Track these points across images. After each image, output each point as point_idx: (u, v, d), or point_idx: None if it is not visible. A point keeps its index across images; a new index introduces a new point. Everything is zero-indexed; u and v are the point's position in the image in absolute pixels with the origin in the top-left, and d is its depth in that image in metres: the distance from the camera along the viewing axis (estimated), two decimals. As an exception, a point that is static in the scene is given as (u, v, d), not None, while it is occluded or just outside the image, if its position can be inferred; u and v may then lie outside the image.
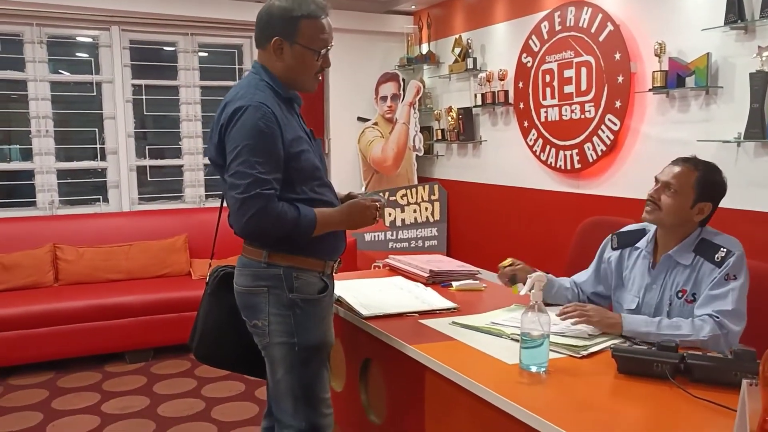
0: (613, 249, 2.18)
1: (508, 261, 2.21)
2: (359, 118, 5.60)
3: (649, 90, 3.40)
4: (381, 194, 2.25)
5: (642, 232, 2.12)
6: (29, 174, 4.72)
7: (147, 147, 5.11)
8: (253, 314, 1.86)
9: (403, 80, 5.47)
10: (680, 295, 1.95)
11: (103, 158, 4.94)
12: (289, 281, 1.84)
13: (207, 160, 5.12)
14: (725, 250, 1.89)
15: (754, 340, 1.87)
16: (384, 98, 5.49)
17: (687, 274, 1.95)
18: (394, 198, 5.35)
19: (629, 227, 2.20)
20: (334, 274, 1.99)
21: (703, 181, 1.94)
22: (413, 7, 5.53)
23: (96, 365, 4.00)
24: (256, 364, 1.97)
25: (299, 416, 1.87)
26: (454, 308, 2.17)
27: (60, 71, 4.84)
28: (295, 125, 1.86)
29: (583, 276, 2.27)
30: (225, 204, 1.94)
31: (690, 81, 3.22)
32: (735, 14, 2.94)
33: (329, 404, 1.95)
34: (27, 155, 4.71)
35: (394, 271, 2.80)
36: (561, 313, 1.90)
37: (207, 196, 5.27)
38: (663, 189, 1.97)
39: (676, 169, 1.97)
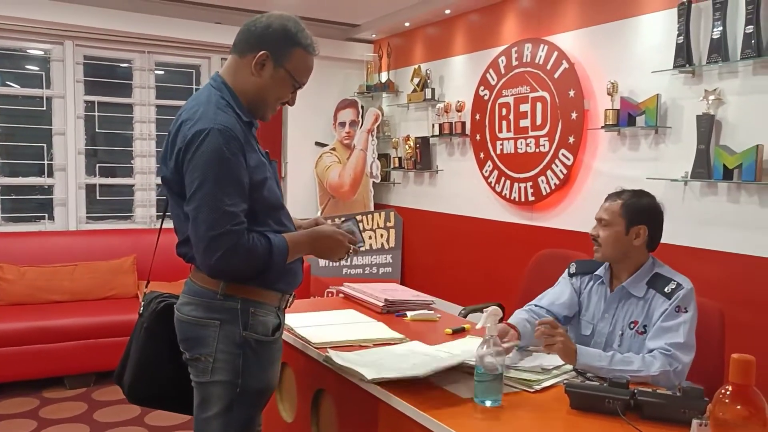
0: (570, 275, 2.24)
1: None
2: (317, 143, 5.59)
3: (602, 127, 3.50)
4: (358, 224, 2.09)
5: (600, 263, 2.17)
6: (-30, 188, 4.54)
7: (97, 165, 4.97)
8: (196, 347, 1.70)
9: (362, 107, 5.50)
10: (632, 326, 2.01)
11: (51, 175, 4.78)
12: (245, 317, 1.70)
13: (159, 180, 5.04)
14: (675, 282, 1.97)
15: (699, 376, 1.92)
16: (342, 124, 5.51)
17: (640, 306, 2.01)
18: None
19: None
20: (286, 309, 1.87)
21: (628, 205, 2.04)
22: (374, 35, 5.58)
23: (33, 390, 3.82)
24: (189, 402, 1.79)
25: None
26: (402, 339, 2.16)
27: (8, 83, 4.69)
28: (255, 150, 1.73)
29: (555, 299, 2.22)
30: (175, 226, 1.78)
31: (640, 120, 3.32)
32: (684, 58, 3.06)
33: None
34: (-31, 169, 4.53)
35: (348, 298, 2.77)
36: (537, 323, 1.88)
37: (158, 217, 5.15)
38: (599, 225, 2.08)
39: (606, 204, 2.10)
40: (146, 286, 1.95)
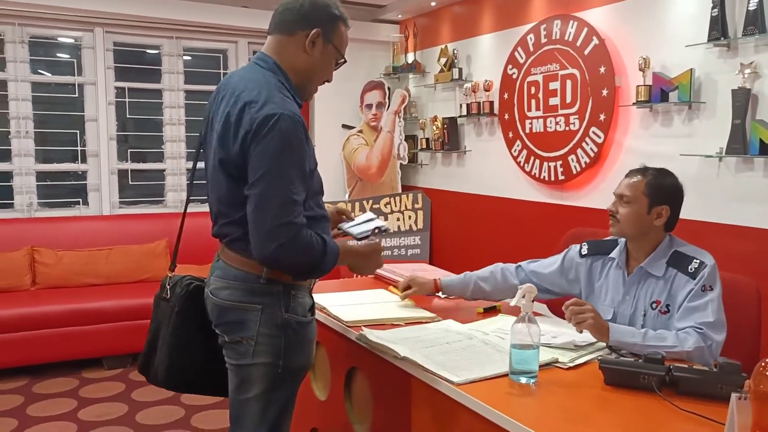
0: (582, 256, 2.21)
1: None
2: (344, 126, 5.60)
3: (633, 104, 3.44)
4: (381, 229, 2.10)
5: (614, 243, 2.15)
6: (7, 175, 4.64)
7: (129, 150, 5.05)
8: (238, 331, 1.71)
9: (389, 89, 5.48)
10: (654, 306, 1.99)
11: (84, 161, 4.87)
12: (287, 300, 1.72)
13: (189, 165, 5.11)
14: (698, 261, 1.93)
15: (735, 352, 1.90)
16: (369, 106, 5.50)
17: (660, 285, 1.98)
18: (377, 206, 5.34)
19: (604, 239, 2.22)
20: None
21: (652, 185, 2.00)
22: (399, 16, 5.55)
23: (73, 371, 3.94)
24: (222, 384, 1.82)
25: None
26: (433, 318, 2.17)
27: (41, 72, 4.78)
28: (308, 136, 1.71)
29: (543, 267, 2.27)
30: (218, 209, 1.76)
31: (673, 96, 3.26)
32: (718, 31, 2.99)
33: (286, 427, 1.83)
34: (5, 156, 4.63)
35: (378, 279, 2.79)
36: (565, 306, 1.88)
37: (187, 202, 5.21)
38: (619, 201, 2.04)
39: (627, 180, 2.05)
40: (172, 270, 1.92)
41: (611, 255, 2.13)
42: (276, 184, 1.58)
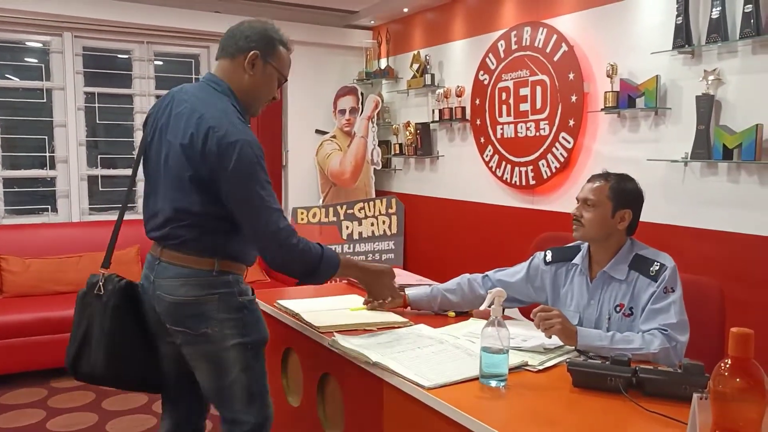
0: (547, 263, 2.24)
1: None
2: (317, 131, 5.60)
3: (601, 110, 3.50)
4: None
5: (577, 249, 2.19)
6: (-27, 182, 4.56)
7: (99, 156, 4.99)
8: (201, 323, 1.86)
9: (362, 94, 5.49)
10: (618, 309, 2.03)
11: (53, 167, 4.79)
12: (238, 286, 1.93)
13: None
14: (659, 263, 1.98)
15: (700, 353, 1.94)
16: (342, 111, 5.50)
17: (624, 288, 2.03)
18: (351, 211, 5.35)
19: (567, 245, 2.26)
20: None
21: (616, 189, 2.05)
22: (372, 22, 5.57)
23: (41, 381, 3.87)
24: (156, 380, 2.00)
25: (254, 411, 1.94)
26: (405, 322, 2.18)
27: (8, 77, 4.69)
28: None
29: (510, 276, 2.31)
30: (161, 213, 1.91)
31: (640, 102, 3.33)
32: (683, 39, 3.06)
33: (268, 393, 2.03)
34: (-29, 162, 4.54)
35: (351, 284, 2.79)
36: (533, 313, 1.92)
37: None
38: (583, 206, 2.08)
39: (591, 184, 2.10)
40: (106, 268, 2.00)
41: (574, 261, 2.17)
42: (260, 201, 1.82)
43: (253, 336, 1.94)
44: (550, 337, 1.87)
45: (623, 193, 2.04)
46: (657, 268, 1.97)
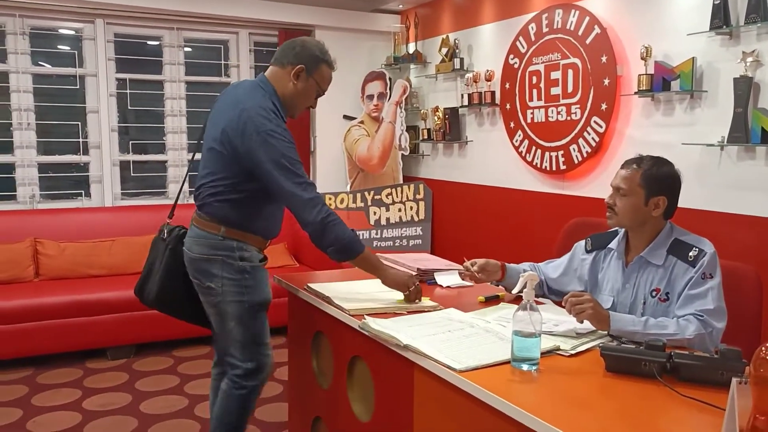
0: (587, 252, 2.24)
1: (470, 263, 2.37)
2: (345, 117, 5.59)
3: (635, 93, 3.44)
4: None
5: (614, 234, 2.17)
6: (10, 167, 4.65)
7: (130, 142, 5.05)
8: (207, 278, 2.23)
9: (390, 79, 5.47)
10: (654, 294, 1.99)
11: (86, 152, 4.87)
12: (240, 251, 2.22)
13: (191, 156, 5.10)
14: (697, 249, 1.94)
15: (737, 339, 1.90)
16: (370, 97, 5.49)
17: (660, 273, 1.99)
18: (379, 197, 5.35)
19: (606, 231, 2.23)
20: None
21: (648, 176, 1.99)
22: (400, 6, 5.53)
23: (77, 361, 3.96)
24: (198, 317, 2.37)
25: (247, 357, 2.28)
26: (435, 306, 2.18)
27: (41, 63, 4.77)
28: None
29: (554, 269, 2.33)
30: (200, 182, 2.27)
31: (675, 85, 3.25)
32: (720, 20, 2.98)
33: (270, 347, 2.35)
34: (7, 148, 4.63)
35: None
36: (564, 299, 1.90)
37: (191, 192, 5.22)
38: (616, 194, 2.04)
39: (623, 172, 2.04)
40: (170, 218, 2.45)
41: (610, 246, 2.15)
42: (298, 175, 2.12)
43: (251, 297, 2.24)
44: (581, 322, 1.86)
45: (656, 179, 1.98)
46: (696, 253, 1.93)
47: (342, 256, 2.18)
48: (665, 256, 1.99)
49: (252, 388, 2.32)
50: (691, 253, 1.94)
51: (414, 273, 2.44)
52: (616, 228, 2.15)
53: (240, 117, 2.11)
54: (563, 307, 1.93)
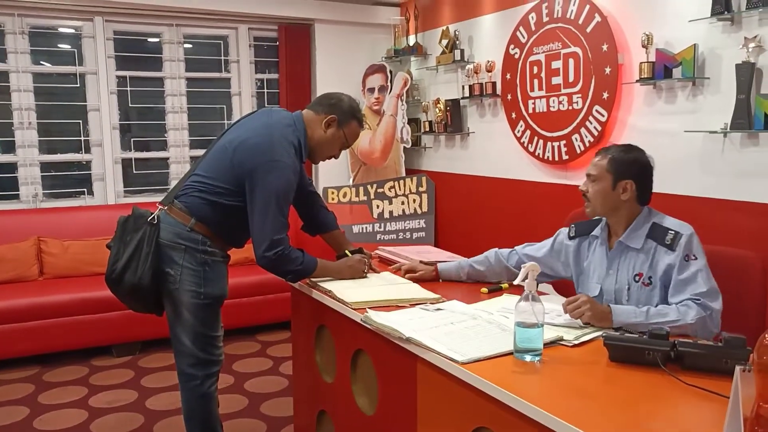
0: (570, 238, 2.26)
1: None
2: (346, 110, 5.56)
3: (637, 81, 3.42)
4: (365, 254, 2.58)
5: (598, 221, 2.19)
6: (12, 166, 4.66)
7: (132, 139, 5.05)
8: (167, 263, 2.26)
9: (391, 72, 5.45)
10: (637, 278, 2.02)
11: (88, 150, 4.88)
12: (204, 245, 2.28)
13: (192, 153, 5.11)
14: (673, 232, 1.96)
15: (741, 327, 1.89)
16: (371, 90, 5.47)
17: (642, 258, 2.02)
18: (381, 190, 5.34)
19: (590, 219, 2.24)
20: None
21: (615, 161, 2.04)
22: (400, -2, 5.51)
23: (82, 359, 3.97)
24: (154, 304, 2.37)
25: (198, 347, 2.33)
26: (438, 298, 2.18)
27: (42, 62, 4.77)
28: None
29: (536, 251, 2.34)
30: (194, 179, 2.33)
31: (677, 72, 3.23)
32: (721, 6, 2.95)
33: (221, 346, 2.40)
34: (10, 147, 4.64)
35: (383, 261, 2.80)
36: (562, 308, 1.91)
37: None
38: (588, 180, 2.09)
39: (595, 159, 2.10)
40: (162, 205, 2.37)
41: (594, 233, 2.17)
42: (275, 212, 2.22)
43: (208, 289, 2.29)
44: (586, 324, 1.86)
45: (622, 163, 2.03)
46: (672, 236, 1.95)
47: (298, 279, 2.41)
48: (645, 240, 2.01)
49: (203, 378, 2.36)
50: (668, 237, 1.96)
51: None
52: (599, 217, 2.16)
53: (265, 137, 2.24)
54: (564, 296, 1.93)
